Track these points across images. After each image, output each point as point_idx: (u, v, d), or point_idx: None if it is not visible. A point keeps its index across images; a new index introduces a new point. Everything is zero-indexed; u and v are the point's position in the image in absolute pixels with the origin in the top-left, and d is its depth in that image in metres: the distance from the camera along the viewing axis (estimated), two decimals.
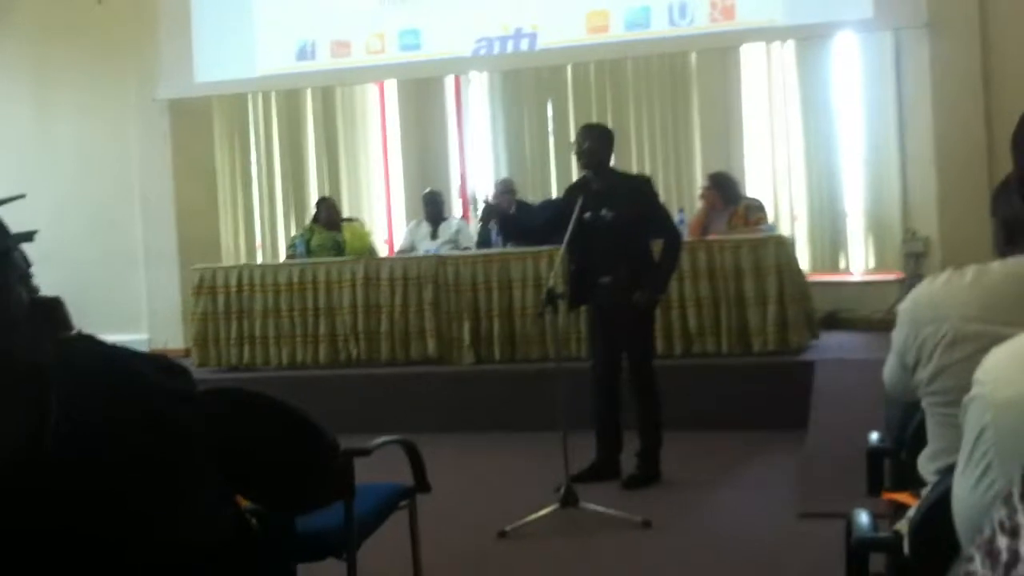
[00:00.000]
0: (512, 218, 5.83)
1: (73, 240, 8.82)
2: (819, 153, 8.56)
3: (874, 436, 2.51)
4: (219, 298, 7.54)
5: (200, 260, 8.12)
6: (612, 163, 5.20)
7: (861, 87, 8.36)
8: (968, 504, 1.00)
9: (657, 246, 5.14)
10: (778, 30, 7.88)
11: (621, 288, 4.95)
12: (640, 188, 5.16)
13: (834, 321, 7.72)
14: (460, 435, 6.29)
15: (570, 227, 4.78)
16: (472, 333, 7.06)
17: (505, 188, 8.09)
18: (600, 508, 4.46)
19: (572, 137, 5.39)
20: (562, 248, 4.87)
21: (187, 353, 8.03)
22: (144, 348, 8.82)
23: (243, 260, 9.25)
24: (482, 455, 5.99)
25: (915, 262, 7.61)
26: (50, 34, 9.29)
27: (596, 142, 5.08)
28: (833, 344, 6.97)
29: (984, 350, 1.42)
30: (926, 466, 1.65)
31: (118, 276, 9.10)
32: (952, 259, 6.99)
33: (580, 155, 5.09)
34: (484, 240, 7.74)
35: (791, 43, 8.44)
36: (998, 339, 1.39)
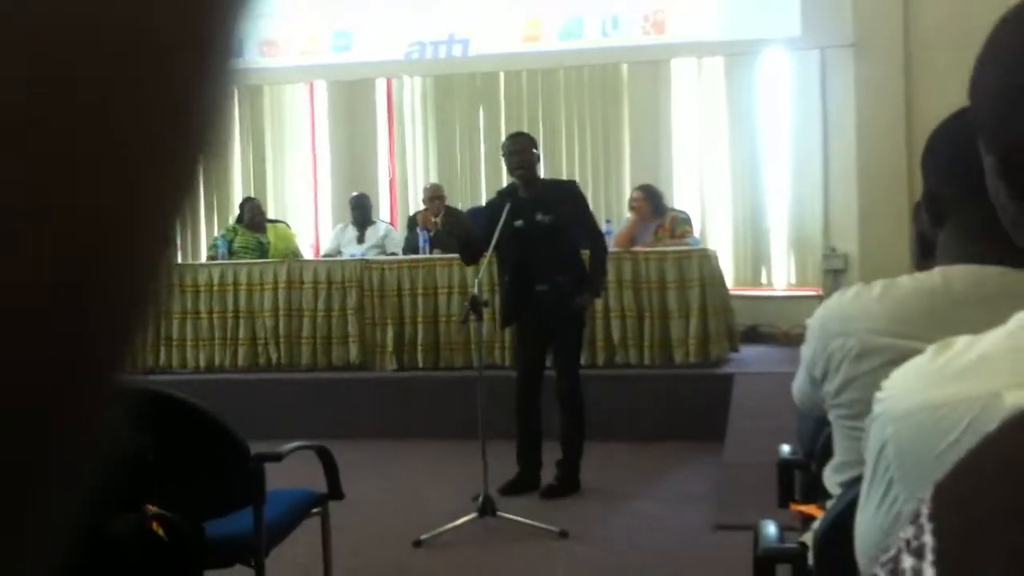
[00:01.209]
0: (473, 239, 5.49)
1: None
2: (745, 168, 8.69)
3: (785, 448, 2.53)
4: None
5: None
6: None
7: (788, 104, 8.50)
8: (871, 524, 0.99)
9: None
10: (708, 45, 7.98)
11: (559, 295, 4.92)
12: (571, 191, 5.17)
13: (754, 335, 7.82)
14: (380, 442, 6.22)
15: (496, 234, 4.72)
16: (396, 339, 7.00)
17: (434, 194, 8.05)
18: (518, 518, 4.44)
19: (502, 142, 5.33)
20: (487, 255, 4.79)
21: None
22: None
23: None
24: (401, 463, 5.94)
25: (834, 278, 7.74)
26: None
27: (529, 149, 5.07)
28: (753, 357, 7.06)
29: (891, 363, 1.42)
30: (831, 478, 1.66)
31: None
32: (870, 277, 7.05)
33: (516, 163, 5.01)
34: (411, 246, 7.69)
35: (720, 58, 8.55)
36: (905, 352, 1.39)
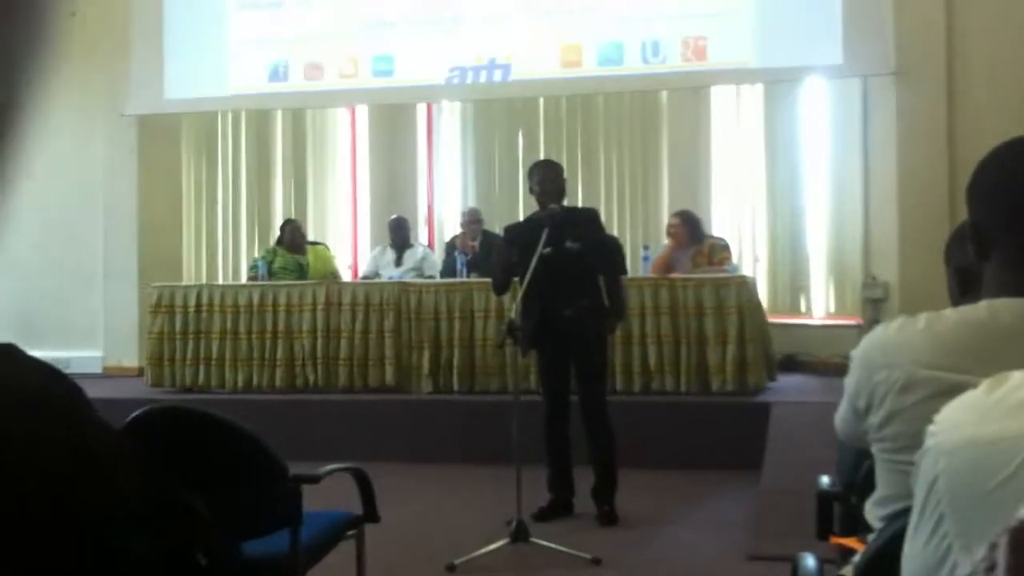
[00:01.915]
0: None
1: (32, 252, 8.69)
2: (784, 195, 8.64)
3: (824, 480, 2.50)
4: (176, 317, 7.45)
5: (160, 278, 8.03)
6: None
7: (828, 132, 8.45)
8: (919, 558, 0.98)
9: None
10: (748, 72, 7.97)
11: (584, 320, 4.93)
12: (594, 219, 5.17)
13: (792, 363, 7.75)
14: (415, 465, 6.23)
15: (534, 261, 4.70)
16: (432, 362, 7.01)
17: (472, 218, 8.08)
18: (551, 544, 4.42)
19: (530, 169, 5.34)
20: (526, 281, 4.75)
21: (140, 372, 7.93)
22: (98, 366, 8.75)
23: (204, 280, 9.16)
24: (435, 486, 5.93)
25: (874, 307, 7.66)
26: None
27: (559, 177, 5.08)
28: (790, 386, 6.99)
29: (935, 396, 1.41)
30: (873, 512, 1.63)
31: (76, 291, 8.98)
32: (910, 306, 7.05)
33: (553, 191, 5.02)
34: (449, 269, 7.72)
35: (760, 85, 8.53)
36: (951, 386, 1.38)
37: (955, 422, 0.94)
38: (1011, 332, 1.38)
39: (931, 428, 0.96)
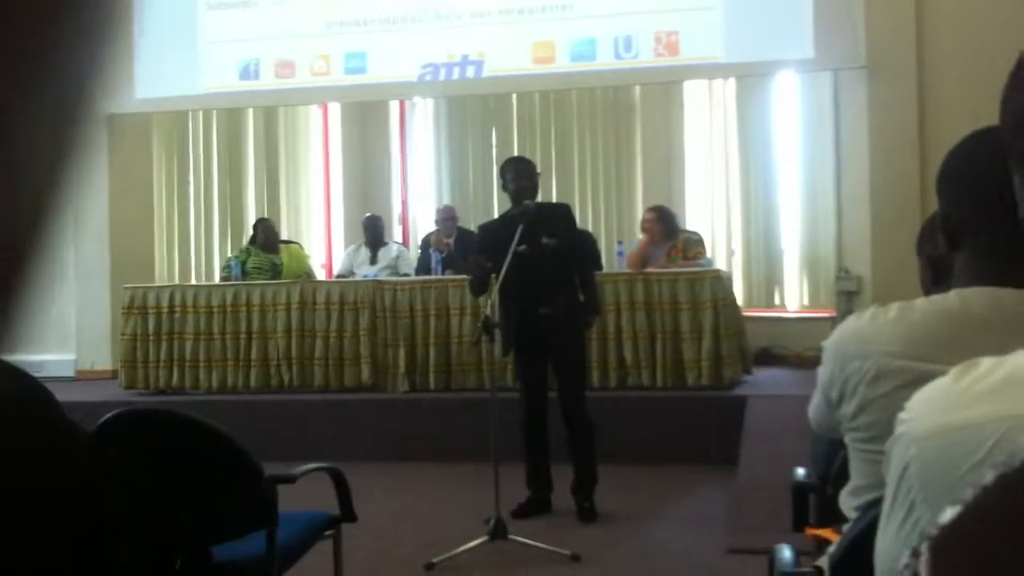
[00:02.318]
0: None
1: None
2: (757, 189, 8.68)
3: (800, 472, 2.51)
4: (150, 319, 7.39)
5: (132, 279, 7.97)
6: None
7: (800, 125, 8.50)
8: (893, 545, 0.98)
9: None
10: (720, 67, 7.99)
11: (561, 317, 4.92)
12: (567, 215, 5.16)
13: (767, 357, 7.79)
14: (392, 464, 6.21)
15: (508, 259, 4.68)
16: (408, 360, 6.99)
17: (447, 215, 8.06)
18: (529, 541, 4.41)
19: (502, 165, 5.32)
20: (501, 278, 4.73)
21: (114, 375, 7.87)
22: (71, 369, 8.67)
23: (177, 280, 9.09)
24: (413, 485, 5.92)
25: (847, 300, 7.71)
26: None
27: (533, 174, 5.08)
28: (766, 380, 7.02)
29: (907, 386, 1.42)
30: (847, 502, 1.64)
31: (46, 293, 8.87)
32: (883, 298, 7.06)
33: (525, 187, 5.01)
34: (424, 267, 7.70)
35: (733, 80, 8.56)
36: (921, 375, 1.39)
37: (925, 409, 0.94)
38: (982, 321, 1.38)
39: (901, 416, 0.97)
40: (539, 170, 5.22)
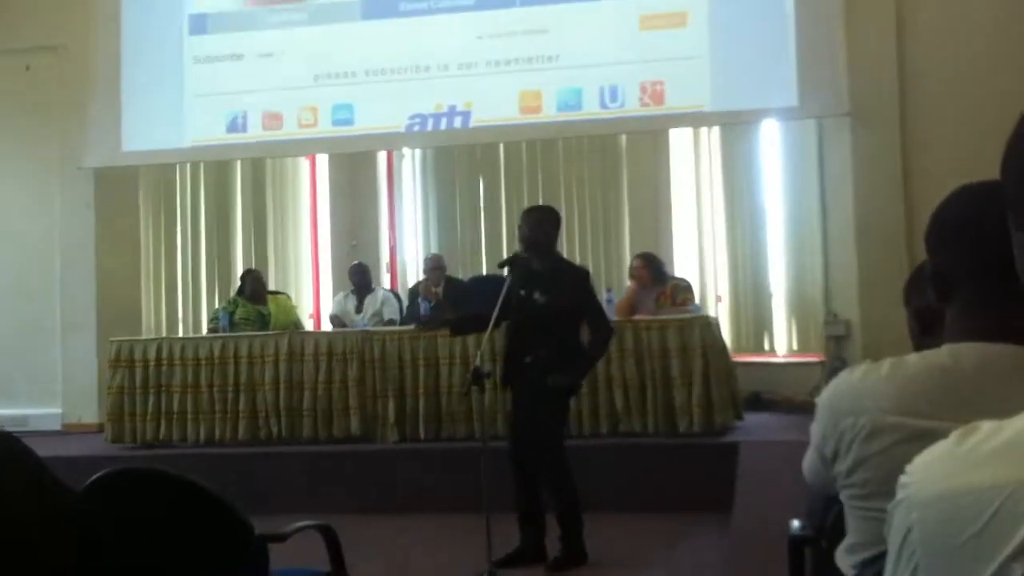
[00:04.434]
0: (466, 319, 5.57)
1: None
2: (744, 235, 8.73)
3: (795, 524, 2.49)
4: (137, 371, 7.34)
5: (120, 332, 7.92)
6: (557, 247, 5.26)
7: (785, 171, 8.56)
8: None
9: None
10: (705, 116, 8.06)
11: (540, 369, 4.94)
12: (577, 281, 5.14)
13: (757, 402, 7.78)
14: (383, 516, 6.15)
15: (499, 303, 4.78)
16: (397, 410, 6.96)
17: (435, 264, 8.07)
18: None
19: (504, 214, 5.40)
20: (490, 325, 4.80)
21: (101, 428, 7.80)
22: (57, 423, 8.59)
23: (164, 332, 9.06)
24: (405, 537, 5.86)
25: (836, 344, 7.73)
26: None
27: (543, 224, 5.10)
28: (757, 425, 7.01)
29: (902, 442, 1.42)
30: (845, 559, 1.63)
31: (33, 346, 8.83)
32: (872, 342, 7.14)
33: (523, 236, 5.08)
34: (413, 316, 7.69)
35: (718, 127, 8.64)
36: (916, 432, 1.39)
37: (927, 473, 0.94)
38: (974, 376, 1.38)
39: (903, 479, 0.96)
40: (550, 219, 5.20)
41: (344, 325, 7.89)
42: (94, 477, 2.67)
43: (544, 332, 4.96)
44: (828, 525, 2.06)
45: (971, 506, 0.85)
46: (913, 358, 1.48)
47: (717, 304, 8.73)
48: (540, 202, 9.23)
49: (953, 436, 0.92)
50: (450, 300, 7.53)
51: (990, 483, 0.85)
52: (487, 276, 5.84)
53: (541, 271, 4.99)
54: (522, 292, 4.91)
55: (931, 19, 7.49)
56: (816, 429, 1.59)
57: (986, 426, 0.89)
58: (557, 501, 4.99)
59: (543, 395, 4.98)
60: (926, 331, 1.91)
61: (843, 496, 1.59)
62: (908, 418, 1.41)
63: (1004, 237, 0.95)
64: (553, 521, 5.04)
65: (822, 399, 1.58)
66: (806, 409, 1.42)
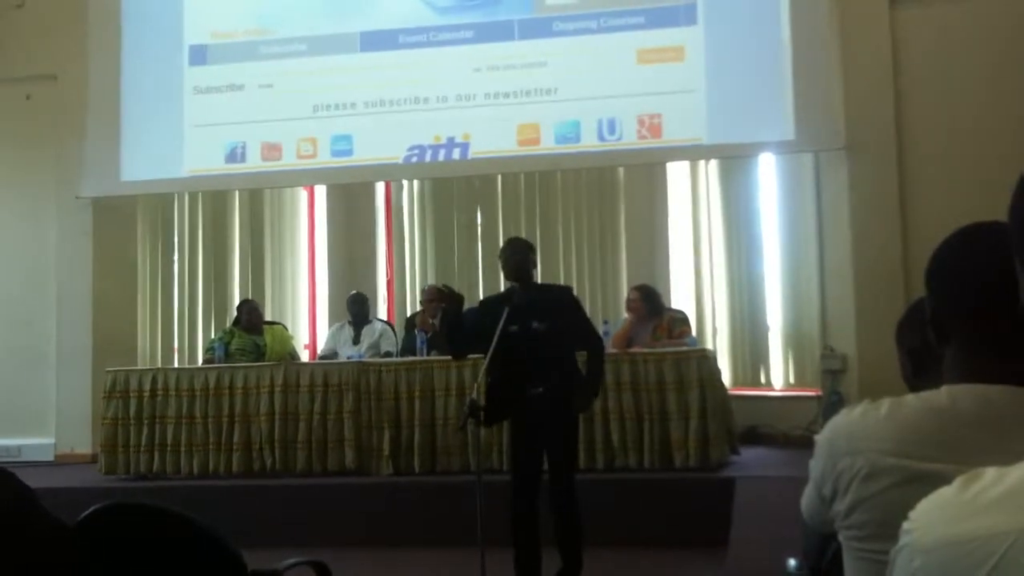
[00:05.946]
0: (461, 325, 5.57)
1: None
2: (741, 268, 8.73)
3: (791, 562, 2.47)
4: (131, 402, 7.31)
5: (115, 362, 7.90)
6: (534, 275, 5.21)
7: (782, 204, 8.58)
8: None
9: (580, 356, 5.13)
10: (703, 149, 8.09)
11: (555, 397, 4.89)
12: (563, 298, 5.16)
13: (754, 436, 7.76)
14: (377, 550, 6.11)
15: (495, 340, 4.71)
16: (392, 443, 6.92)
17: (431, 296, 8.05)
18: None
19: (500, 247, 5.36)
20: (486, 361, 4.76)
21: (94, 459, 7.76)
22: (50, 453, 8.55)
23: (159, 363, 9.03)
24: (399, 572, 5.82)
25: (833, 379, 7.71)
26: None
27: (523, 255, 5.09)
28: (753, 460, 6.98)
29: (900, 484, 1.41)
30: None
31: (27, 376, 8.80)
32: (868, 377, 7.13)
33: (514, 268, 5.05)
34: (409, 348, 7.67)
35: (715, 160, 8.67)
36: (915, 474, 1.38)
37: (929, 520, 0.93)
38: (972, 419, 1.38)
39: (906, 525, 0.96)
40: (530, 249, 5.20)
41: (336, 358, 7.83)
42: (87, 512, 2.65)
43: (549, 360, 4.92)
44: (825, 565, 2.04)
45: (974, 553, 0.85)
46: (911, 399, 1.47)
47: (714, 336, 8.72)
48: (538, 234, 9.26)
49: (956, 483, 0.92)
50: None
51: (993, 531, 0.84)
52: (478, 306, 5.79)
53: (526, 302, 4.96)
54: (513, 327, 4.82)
55: (927, 53, 7.54)
56: (814, 467, 1.58)
57: (989, 473, 0.89)
58: (573, 536, 4.91)
59: (564, 424, 4.94)
60: (919, 371, 1.90)
61: (841, 537, 1.57)
62: (907, 460, 1.41)
63: (1004, 280, 0.95)
64: (547, 554, 4.99)
65: (821, 438, 1.57)
66: (802, 444, 1.41)
